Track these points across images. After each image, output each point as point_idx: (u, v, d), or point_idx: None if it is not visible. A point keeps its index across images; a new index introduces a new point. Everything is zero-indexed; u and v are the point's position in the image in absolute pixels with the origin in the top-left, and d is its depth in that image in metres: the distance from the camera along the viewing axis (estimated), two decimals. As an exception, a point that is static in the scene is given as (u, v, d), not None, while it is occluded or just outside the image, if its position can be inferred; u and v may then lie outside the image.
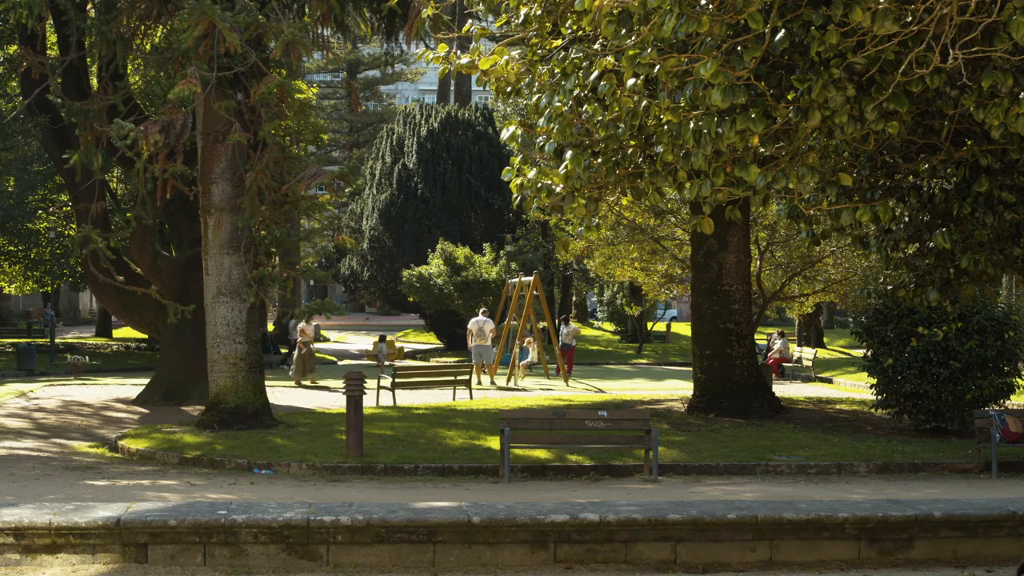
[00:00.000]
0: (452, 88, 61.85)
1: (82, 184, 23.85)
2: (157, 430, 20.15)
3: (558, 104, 9.62)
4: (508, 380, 32.10)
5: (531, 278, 33.10)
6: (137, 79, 28.78)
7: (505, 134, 10.45)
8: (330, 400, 26.21)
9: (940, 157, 10.77)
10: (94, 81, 27.00)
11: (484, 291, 40.88)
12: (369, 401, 22.07)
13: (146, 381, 27.63)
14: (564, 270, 48.46)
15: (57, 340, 41.40)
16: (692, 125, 8.65)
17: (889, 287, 14.00)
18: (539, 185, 10.42)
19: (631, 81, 8.92)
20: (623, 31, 8.72)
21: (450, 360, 40.14)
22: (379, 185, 48.10)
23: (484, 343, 31.82)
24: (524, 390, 29.72)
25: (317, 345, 49.05)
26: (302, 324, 32.42)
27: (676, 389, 29.17)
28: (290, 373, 32.71)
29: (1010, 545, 11.49)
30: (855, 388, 31.52)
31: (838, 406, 24.39)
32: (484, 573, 10.60)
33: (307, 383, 31.04)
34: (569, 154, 9.75)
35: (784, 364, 37.45)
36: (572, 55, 9.81)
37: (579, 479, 16.21)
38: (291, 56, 19.31)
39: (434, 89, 72.03)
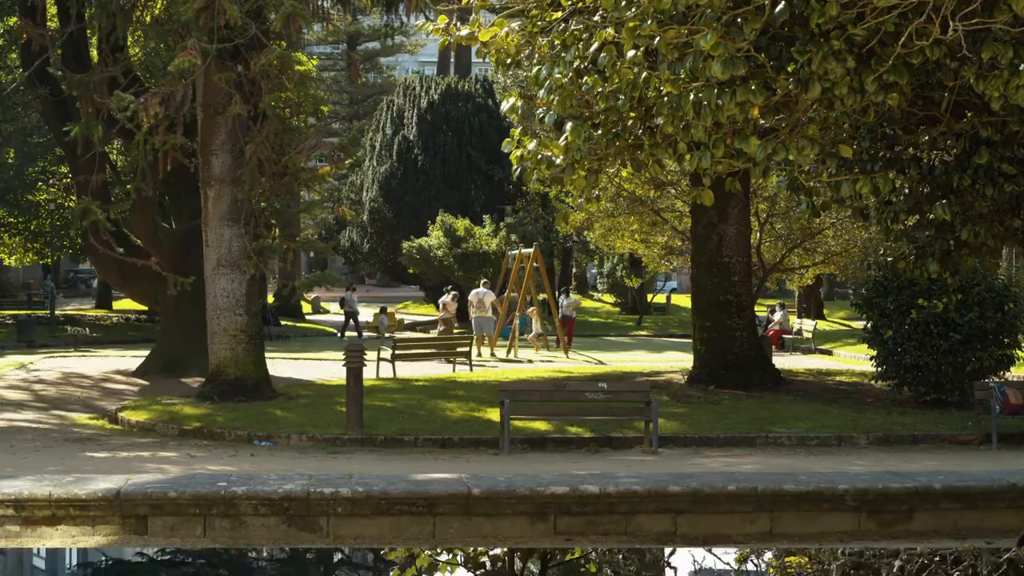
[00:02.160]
0: (452, 60, 61.62)
1: (82, 156, 23.75)
2: (157, 402, 20.16)
3: (558, 76, 9.58)
4: (508, 352, 32.10)
5: (531, 250, 33.07)
6: (137, 51, 28.68)
7: (505, 106, 10.44)
8: (330, 372, 26.21)
9: (940, 129, 10.75)
10: (94, 53, 26.87)
11: (484, 263, 40.84)
12: (369, 373, 22.08)
13: (146, 353, 27.63)
14: (564, 242, 48.38)
15: (57, 312, 41.42)
16: (692, 97, 8.62)
17: (889, 259, 14.05)
18: (539, 157, 10.40)
19: (631, 53, 8.88)
20: (623, 3, 8.69)
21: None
22: (379, 157, 47.98)
23: (485, 315, 31.82)
24: (525, 361, 29.73)
25: (318, 317, 49.23)
26: (447, 299, 34.61)
27: (676, 361, 29.15)
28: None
29: (1010, 517, 11.51)
30: (855, 360, 31.52)
31: (838, 378, 24.38)
32: (484, 544, 10.63)
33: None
34: (569, 126, 9.73)
35: (784, 336, 37.44)
36: (572, 27, 9.77)
37: (579, 451, 16.24)
38: (291, 28, 19.22)
39: (434, 61, 71.71)
